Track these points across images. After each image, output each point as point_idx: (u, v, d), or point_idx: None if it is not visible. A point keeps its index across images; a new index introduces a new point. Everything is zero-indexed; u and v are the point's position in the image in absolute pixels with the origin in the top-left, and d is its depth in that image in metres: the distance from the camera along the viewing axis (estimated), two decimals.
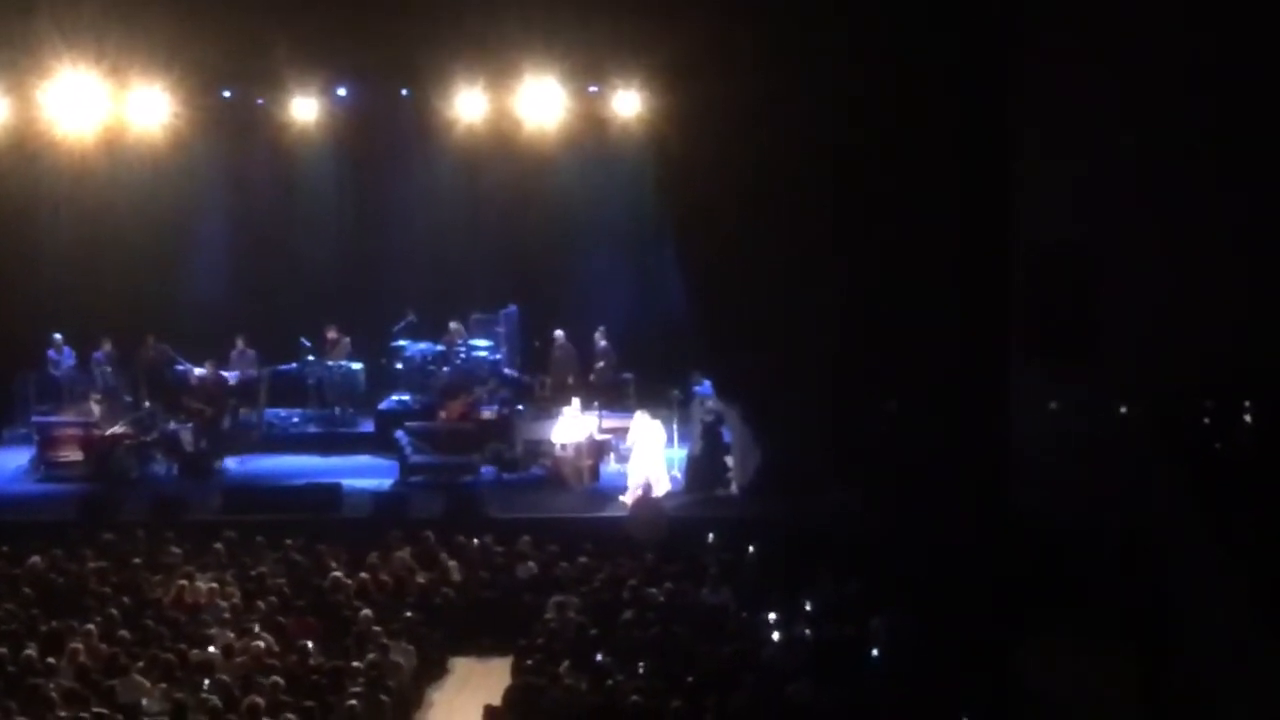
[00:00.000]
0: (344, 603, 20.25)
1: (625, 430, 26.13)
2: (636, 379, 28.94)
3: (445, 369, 28.41)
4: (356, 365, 29.23)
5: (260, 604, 20.01)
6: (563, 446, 26.13)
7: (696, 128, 24.01)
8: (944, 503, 22.50)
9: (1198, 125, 22.61)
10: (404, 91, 27.85)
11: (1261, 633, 17.35)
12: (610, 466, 26.63)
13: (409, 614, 20.09)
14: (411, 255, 29.93)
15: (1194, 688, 17.85)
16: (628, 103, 26.75)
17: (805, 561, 21.25)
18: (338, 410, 28.98)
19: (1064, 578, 20.51)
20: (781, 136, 23.39)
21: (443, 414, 26.96)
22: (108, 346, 28.50)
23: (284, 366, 29.00)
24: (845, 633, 18.95)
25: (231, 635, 18.81)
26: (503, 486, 25.97)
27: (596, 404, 27.36)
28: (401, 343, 28.99)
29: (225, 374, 28.19)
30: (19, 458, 27.41)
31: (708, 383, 26.49)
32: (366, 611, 19.63)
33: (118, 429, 26.63)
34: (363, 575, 21.05)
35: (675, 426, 26.71)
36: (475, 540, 22.54)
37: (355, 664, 18.12)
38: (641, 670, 17.82)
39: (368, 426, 28.60)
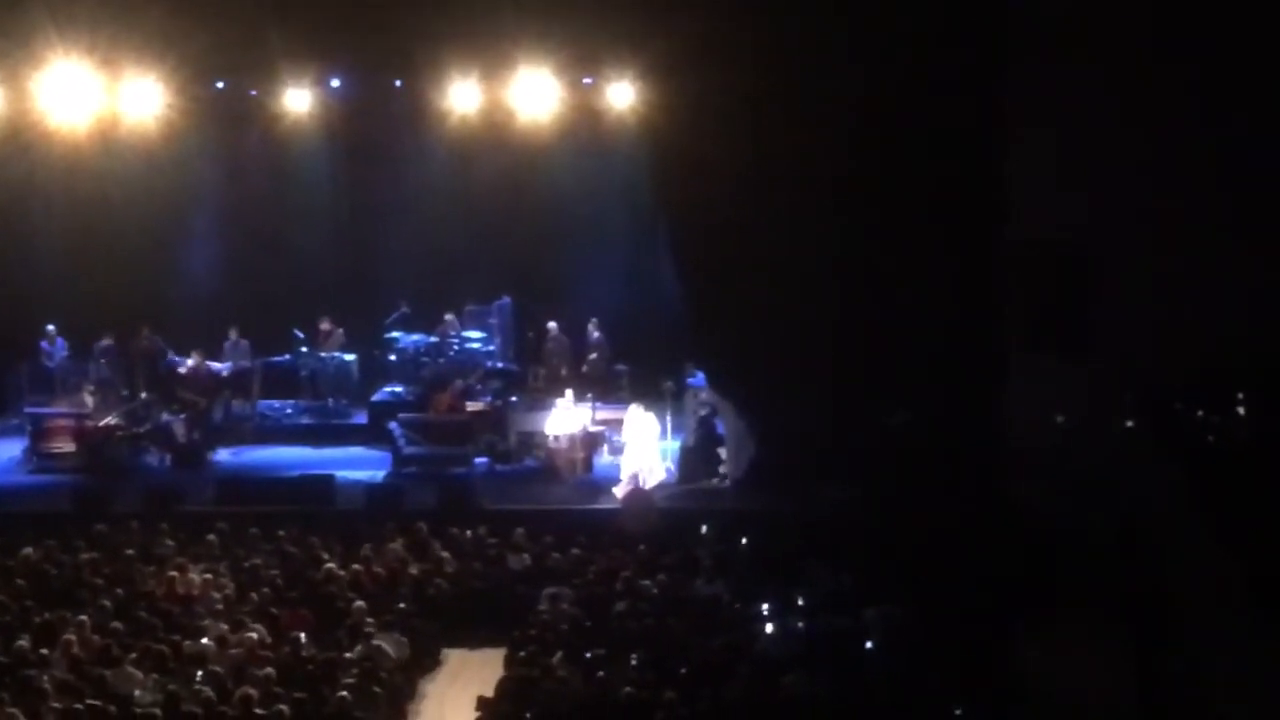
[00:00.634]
0: (337, 594, 20.23)
1: (619, 422, 26.13)
2: (630, 371, 28.94)
3: (440, 360, 28.39)
4: (350, 357, 29.22)
5: (253, 595, 20.00)
6: (556, 438, 26.12)
7: (690, 120, 23.99)
8: (939, 495, 22.51)
9: (1193, 120, 22.61)
10: (397, 83, 27.86)
11: (1258, 625, 17.37)
12: (604, 458, 26.64)
13: (402, 605, 20.09)
14: (405, 247, 29.91)
15: (1190, 680, 17.86)
16: (622, 95, 26.76)
17: (799, 553, 21.26)
18: (331, 402, 28.96)
19: (1060, 570, 20.52)
20: (776, 129, 23.37)
21: (431, 406, 26.95)
22: (109, 340, 28.45)
23: (277, 358, 28.98)
24: (839, 624, 18.93)
25: (224, 627, 18.80)
26: (496, 478, 25.97)
27: (590, 396, 27.37)
28: (395, 334, 28.99)
29: (214, 365, 28.17)
30: (12, 449, 27.38)
31: (701, 374, 26.51)
32: (359, 603, 19.62)
33: (110, 420, 26.61)
34: (356, 567, 21.03)
35: (669, 418, 26.71)
36: (468, 532, 22.53)
37: (348, 655, 18.15)
38: (635, 662, 17.80)
39: (361, 418, 28.60)
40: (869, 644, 18.51)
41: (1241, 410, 21.98)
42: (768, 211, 23.75)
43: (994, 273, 24.13)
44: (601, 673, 17.38)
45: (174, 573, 20.49)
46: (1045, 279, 23.84)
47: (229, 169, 29.78)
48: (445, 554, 21.89)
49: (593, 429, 26.63)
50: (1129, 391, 22.64)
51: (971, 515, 21.97)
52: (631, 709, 16.55)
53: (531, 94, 27.13)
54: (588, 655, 17.96)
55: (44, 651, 18.01)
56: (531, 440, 26.75)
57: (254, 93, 28.43)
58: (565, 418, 26.20)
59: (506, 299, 29.40)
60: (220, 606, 19.72)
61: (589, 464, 26.25)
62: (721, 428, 25.76)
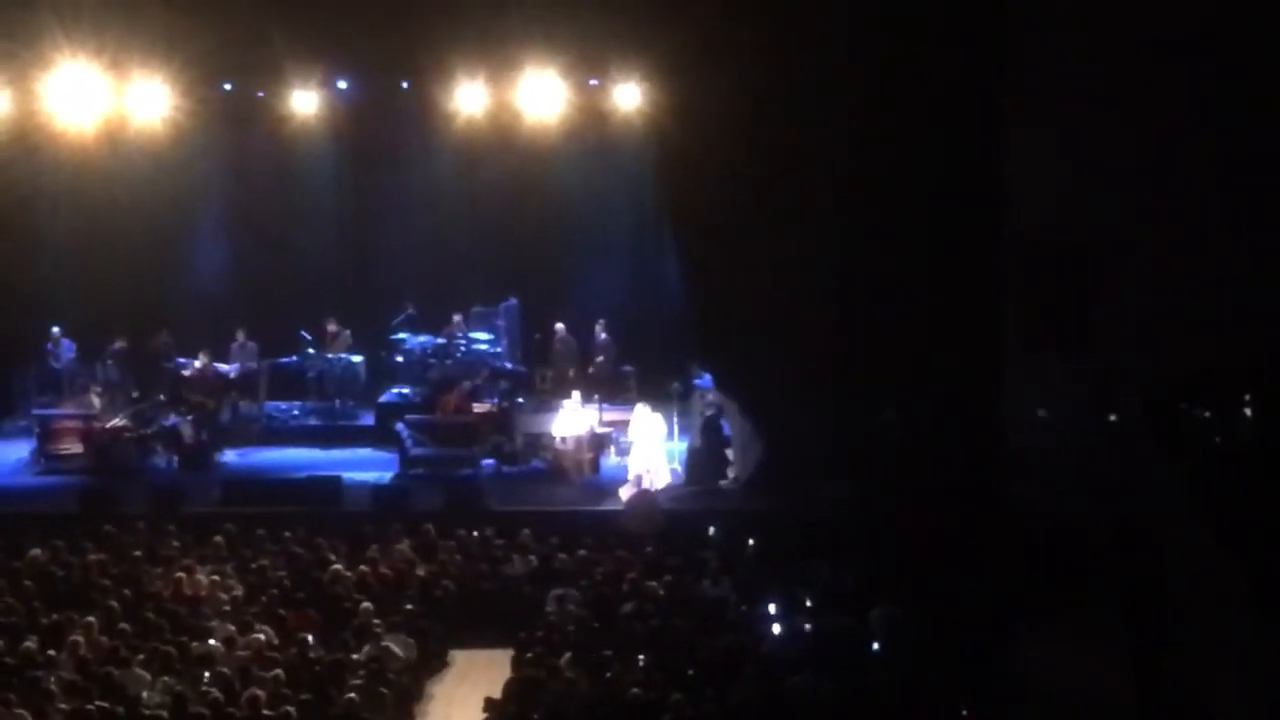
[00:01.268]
0: (344, 595, 20.26)
1: (625, 423, 26.14)
2: (637, 372, 28.93)
3: (446, 362, 28.40)
4: (357, 358, 29.22)
5: (260, 596, 20.03)
6: (563, 439, 26.12)
7: (697, 121, 24.02)
8: (942, 494, 22.51)
9: (1192, 115, 22.59)
10: (404, 84, 27.86)
11: (1257, 624, 17.37)
12: (610, 459, 26.63)
13: (409, 606, 20.11)
14: (411, 248, 29.90)
15: (1190, 679, 17.87)
16: (628, 96, 26.75)
17: (805, 554, 21.27)
18: (338, 403, 28.96)
19: (1062, 569, 20.53)
20: (780, 130, 23.41)
21: (438, 408, 26.95)
22: (121, 343, 28.46)
23: (284, 359, 28.99)
24: (845, 625, 18.96)
25: (231, 628, 18.82)
26: (503, 479, 25.97)
27: (597, 397, 27.36)
28: (401, 335, 28.99)
29: (221, 366, 28.20)
30: (19, 450, 27.39)
31: (708, 376, 26.50)
32: (366, 604, 19.65)
33: (118, 421, 26.64)
34: (363, 568, 21.06)
35: (675, 419, 26.70)
36: (475, 533, 22.54)
37: (355, 656, 18.17)
38: (642, 663, 17.83)
39: (368, 419, 28.60)
40: (874, 645, 18.52)
41: (1247, 410, 21.96)
42: (772, 212, 23.78)
43: (995, 270, 24.13)
44: (608, 674, 17.41)
45: (181, 574, 20.52)
46: (1045, 276, 23.83)
47: (236, 170, 29.78)
48: (457, 557, 21.89)
49: (599, 430, 26.63)
50: (1128, 389, 22.61)
51: (973, 515, 21.97)
52: (638, 710, 16.57)
53: (538, 95, 27.13)
54: (595, 656, 17.97)
55: (51, 653, 18.07)
56: (538, 442, 26.74)
57: (261, 94, 28.42)
58: (572, 419, 26.21)
59: (513, 300, 29.39)
60: (227, 608, 19.75)
61: (596, 465, 26.25)
62: (728, 429, 25.76)
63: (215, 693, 16.75)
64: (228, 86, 27.86)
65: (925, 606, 18.96)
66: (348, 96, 28.38)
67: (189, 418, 27.03)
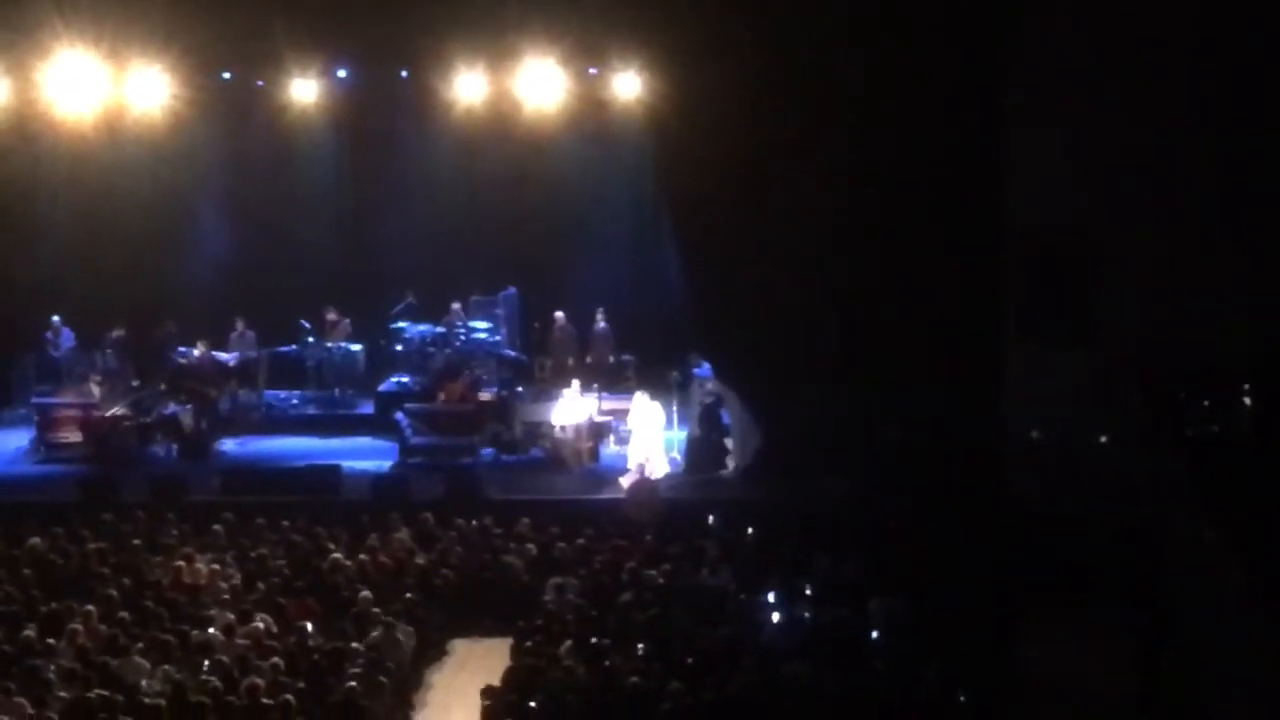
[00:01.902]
0: (343, 584, 20.28)
1: (625, 412, 26.15)
2: (636, 361, 28.96)
3: (446, 350, 28.41)
4: (356, 347, 29.23)
5: (259, 585, 20.04)
6: (562, 428, 26.14)
7: (696, 110, 23.99)
8: (942, 485, 22.51)
9: (1194, 106, 22.58)
10: (403, 73, 27.88)
11: (1258, 617, 17.37)
12: (610, 448, 26.65)
13: (408, 595, 20.12)
14: (411, 237, 29.89)
15: (1190, 673, 17.87)
16: (627, 85, 26.78)
17: (804, 544, 21.28)
18: (337, 392, 28.98)
19: (1062, 561, 20.53)
20: (780, 121, 23.38)
21: (441, 396, 26.96)
22: (120, 331, 28.47)
23: (283, 348, 29.01)
24: (844, 615, 18.95)
25: (231, 616, 18.83)
26: (502, 468, 26.00)
27: (596, 386, 27.36)
28: (401, 324, 28.98)
29: (220, 355, 28.19)
30: (19, 439, 27.41)
31: (707, 365, 26.51)
32: (366, 593, 19.66)
33: (117, 410, 26.65)
34: (362, 557, 21.08)
35: (674, 408, 26.70)
36: (474, 522, 22.55)
37: (354, 645, 18.16)
38: (640, 652, 17.85)
39: (367, 408, 28.60)
40: (873, 634, 18.53)
41: (1247, 400, 21.95)
42: (771, 202, 23.75)
43: (995, 262, 24.12)
44: (607, 663, 17.41)
45: (180, 562, 20.55)
46: (1046, 268, 23.82)
47: (235, 159, 29.75)
48: (456, 546, 21.90)
49: (599, 419, 26.65)
50: (1128, 383, 22.60)
51: (973, 504, 21.97)
52: (637, 699, 16.57)
53: (537, 84, 27.16)
54: (593, 645, 17.99)
55: (50, 641, 18.08)
56: (538, 430, 26.75)
57: (260, 83, 28.46)
58: (571, 408, 26.22)
59: (512, 289, 29.39)
60: (227, 596, 19.77)
61: (595, 454, 26.27)
62: (727, 418, 25.78)
63: (214, 681, 16.76)
64: (227, 75, 27.88)
65: (925, 598, 18.96)
66: (347, 85, 28.40)
67: (188, 406, 27.04)
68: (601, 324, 29.21)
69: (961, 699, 16.79)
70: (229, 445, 27.35)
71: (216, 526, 22.02)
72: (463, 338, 28.62)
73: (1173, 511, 19.83)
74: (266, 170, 29.84)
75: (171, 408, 27.06)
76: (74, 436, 26.55)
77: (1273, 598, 17.33)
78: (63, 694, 16.58)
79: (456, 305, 29.14)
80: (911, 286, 23.85)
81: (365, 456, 26.40)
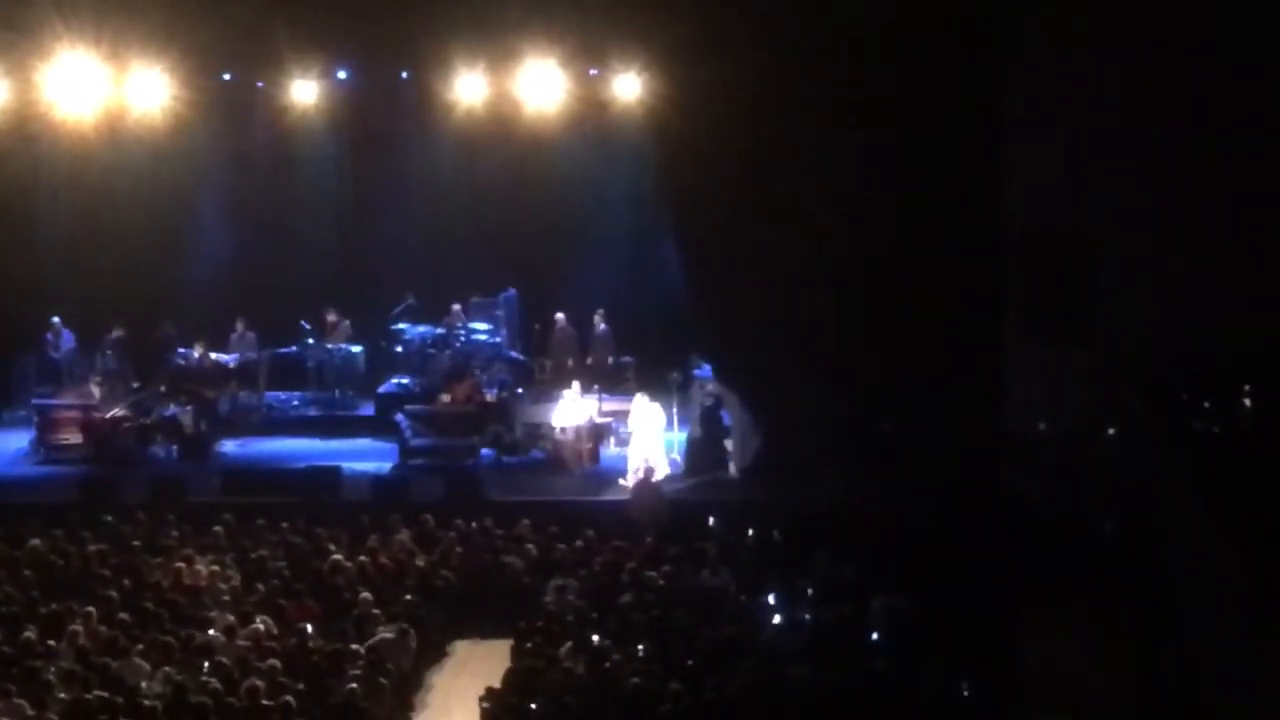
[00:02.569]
0: (343, 585, 20.26)
1: (625, 413, 26.14)
2: (636, 362, 28.95)
3: (446, 352, 28.40)
4: (356, 348, 29.24)
5: (260, 586, 20.03)
6: (562, 430, 26.14)
7: (696, 111, 24.00)
8: (942, 485, 22.50)
9: (1193, 106, 22.55)
10: (404, 74, 27.92)
11: (1259, 616, 17.36)
12: (610, 450, 26.65)
13: (408, 597, 20.10)
14: (411, 238, 29.92)
15: (1191, 672, 17.87)
16: (628, 86, 26.77)
17: (804, 544, 21.27)
18: (337, 393, 28.98)
19: (1062, 560, 20.52)
20: (780, 121, 23.39)
21: (446, 397, 26.95)
22: (119, 332, 28.48)
23: (284, 349, 29.01)
24: (844, 615, 18.96)
25: (231, 618, 18.82)
26: (502, 469, 26.00)
27: (596, 387, 27.36)
28: (401, 326, 28.99)
29: (221, 356, 28.20)
30: (19, 440, 27.41)
31: (707, 366, 26.51)
32: (366, 594, 19.65)
33: (117, 411, 26.65)
34: (362, 558, 21.06)
35: (675, 410, 26.69)
36: (474, 523, 22.54)
37: (355, 647, 18.15)
38: (641, 652, 17.84)
39: (367, 409, 28.61)
40: (874, 634, 18.53)
41: (1247, 401, 21.94)
42: (772, 202, 23.76)
43: (994, 262, 24.12)
44: (607, 664, 17.41)
45: (181, 564, 20.54)
46: (1045, 267, 23.80)
47: (235, 161, 29.76)
48: (456, 547, 21.89)
49: (599, 420, 26.64)
50: (1128, 382, 22.59)
51: (974, 504, 21.97)
52: (637, 700, 16.56)
53: (538, 85, 27.17)
54: (594, 646, 17.98)
55: (51, 642, 18.06)
56: (538, 432, 26.75)
57: (260, 84, 28.52)
58: (572, 409, 26.21)
59: (512, 291, 29.39)
60: (227, 598, 19.76)
61: (595, 455, 26.27)
62: (727, 419, 25.78)
63: (214, 683, 16.75)
64: (227, 76, 27.92)
65: (927, 596, 18.96)
66: (347, 86, 28.43)
67: (188, 408, 27.04)
68: (601, 325, 29.22)
69: (963, 697, 16.78)
70: (229, 446, 27.35)
71: (217, 528, 22.01)
72: (463, 339, 28.61)
73: (1173, 511, 19.81)
74: (267, 171, 29.86)
75: (171, 409, 27.08)
76: (74, 438, 26.55)
77: (1273, 597, 17.32)
78: (63, 695, 16.56)
79: (457, 307, 29.13)
80: (911, 287, 23.84)
81: (365, 458, 26.39)
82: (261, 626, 18.54)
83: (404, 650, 18.82)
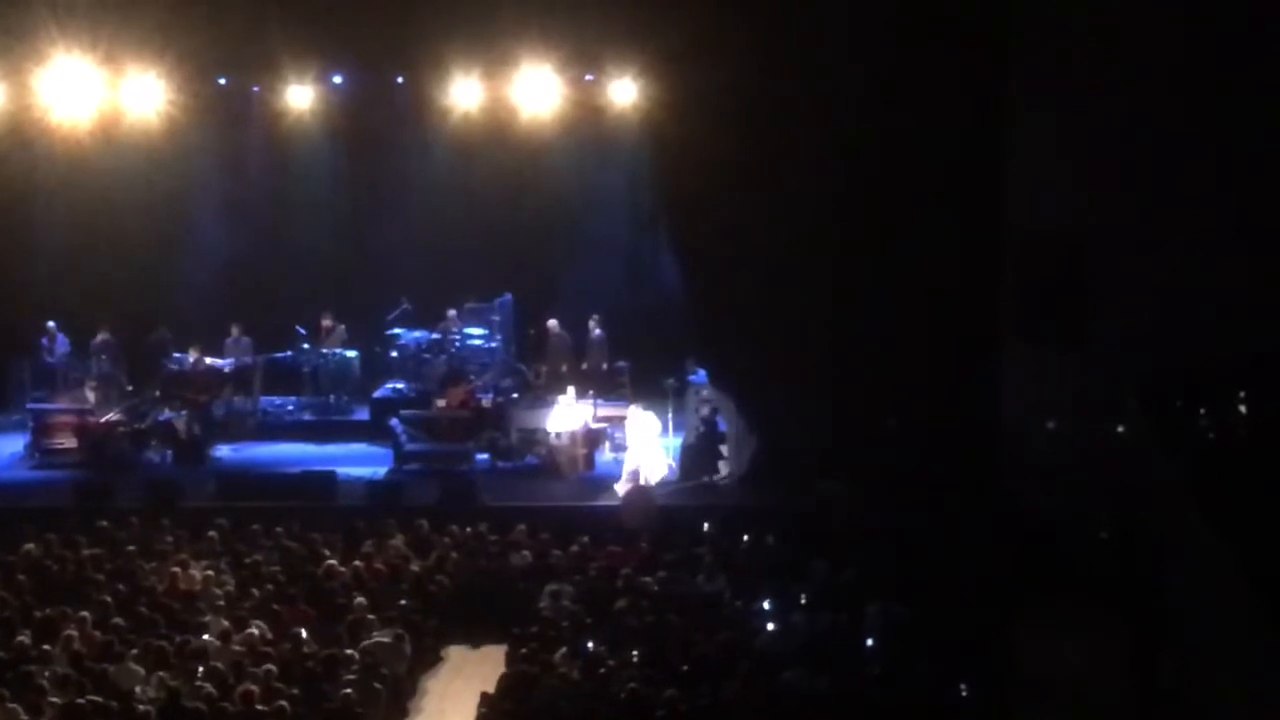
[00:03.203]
0: (338, 590, 20.24)
1: (620, 419, 26.14)
2: (631, 368, 28.93)
3: (441, 357, 28.39)
4: (351, 353, 29.22)
5: (254, 591, 20.01)
6: (557, 435, 26.11)
7: (692, 116, 24.00)
8: (938, 489, 22.50)
9: (1191, 108, 22.55)
10: (399, 79, 27.91)
11: (1256, 618, 17.36)
12: (605, 455, 26.64)
13: (403, 602, 20.08)
14: (406, 243, 29.89)
15: (1188, 676, 17.86)
16: (624, 91, 26.79)
17: (800, 549, 21.26)
18: (332, 398, 28.96)
19: (1058, 564, 20.52)
20: (777, 125, 23.39)
21: (441, 402, 26.95)
22: (105, 334, 28.48)
23: (279, 354, 28.98)
24: (840, 621, 18.95)
25: (225, 623, 18.79)
26: (497, 475, 25.98)
27: (591, 393, 27.35)
28: (396, 331, 28.99)
29: (216, 361, 28.19)
30: (14, 444, 27.39)
31: (703, 371, 26.50)
32: (361, 599, 19.63)
33: (112, 416, 26.64)
34: (357, 563, 21.03)
35: (670, 415, 26.69)
36: (469, 528, 22.53)
37: (349, 652, 18.13)
38: (636, 658, 17.82)
39: (362, 414, 28.60)
40: (869, 640, 18.51)
41: (1242, 407, 21.94)
42: (768, 207, 23.77)
43: (991, 264, 24.13)
44: (603, 669, 17.39)
45: (175, 568, 20.49)
46: (1042, 270, 23.80)
47: (231, 165, 29.79)
48: (451, 553, 21.87)
49: (594, 426, 26.62)
50: (1125, 385, 22.59)
51: (969, 509, 21.97)
52: (633, 705, 16.55)
53: (533, 90, 27.18)
54: (589, 651, 17.97)
55: (45, 647, 18.01)
56: (533, 437, 26.73)
57: (256, 89, 28.57)
58: (566, 415, 26.20)
59: (508, 296, 29.37)
60: (221, 603, 19.72)
61: (590, 461, 26.25)
62: (723, 425, 25.76)
63: (209, 688, 16.72)
64: (222, 81, 27.96)
65: (922, 602, 18.95)
66: (343, 91, 28.44)
67: (183, 412, 27.03)
68: (597, 331, 29.19)
69: (960, 701, 16.77)
70: (224, 451, 27.33)
71: (211, 533, 21.99)
72: (458, 344, 28.60)
73: (1170, 514, 19.81)
74: (262, 176, 29.90)
75: (166, 414, 27.07)
76: (69, 442, 26.53)
77: (1269, 600, 17.32)
78: (56, 700, 16.51)
79: (452, 312, 29.08)
80: (909, 291, 23.86)
81: (360, 463, 26.38)
82: (256, 631, 18.51)
83: (399, 655, 18.79)
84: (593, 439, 26.43)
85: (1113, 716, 18.06)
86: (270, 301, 29.53)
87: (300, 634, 18.61)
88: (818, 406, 24.15)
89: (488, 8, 24.86)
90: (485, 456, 26.40)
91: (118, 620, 18.72)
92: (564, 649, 18.10)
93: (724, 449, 25.72)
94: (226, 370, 28.32)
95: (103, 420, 26.52)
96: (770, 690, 17.00)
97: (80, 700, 16.36)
